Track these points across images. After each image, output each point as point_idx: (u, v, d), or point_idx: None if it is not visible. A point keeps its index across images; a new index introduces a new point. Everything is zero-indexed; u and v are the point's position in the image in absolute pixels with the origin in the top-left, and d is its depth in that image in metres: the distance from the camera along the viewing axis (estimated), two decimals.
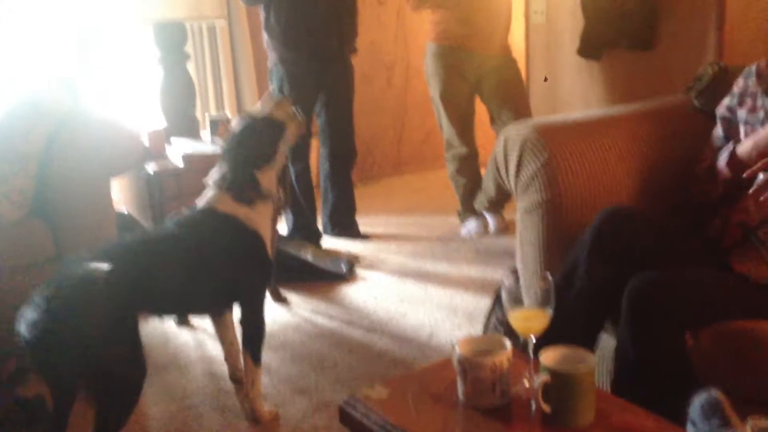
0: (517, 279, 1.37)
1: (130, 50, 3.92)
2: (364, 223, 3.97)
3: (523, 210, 1.97)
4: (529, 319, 1.33)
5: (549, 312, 1.33)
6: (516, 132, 1.96)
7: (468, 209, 3.86)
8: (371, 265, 3.47)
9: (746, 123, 1.79)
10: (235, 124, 2.16)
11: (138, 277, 1.79)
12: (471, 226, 3.86)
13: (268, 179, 2.10)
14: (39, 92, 2.59)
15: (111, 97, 3.82)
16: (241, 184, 2.05)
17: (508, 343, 1.32)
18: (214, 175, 2.10)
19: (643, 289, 1.45)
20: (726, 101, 1.88)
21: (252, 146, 2.08)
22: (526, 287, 1.42)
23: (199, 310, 2.21)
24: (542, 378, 1.23)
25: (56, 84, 2.75)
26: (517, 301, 1.35)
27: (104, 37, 2.93)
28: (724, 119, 1.87)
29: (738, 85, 1.85)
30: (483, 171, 3.88)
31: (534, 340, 1.34)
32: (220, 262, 1.99)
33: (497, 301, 2.40)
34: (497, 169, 2.03)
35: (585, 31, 3.51)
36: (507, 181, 2.02)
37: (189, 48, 3.25)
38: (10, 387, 2.28)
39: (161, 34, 3.03)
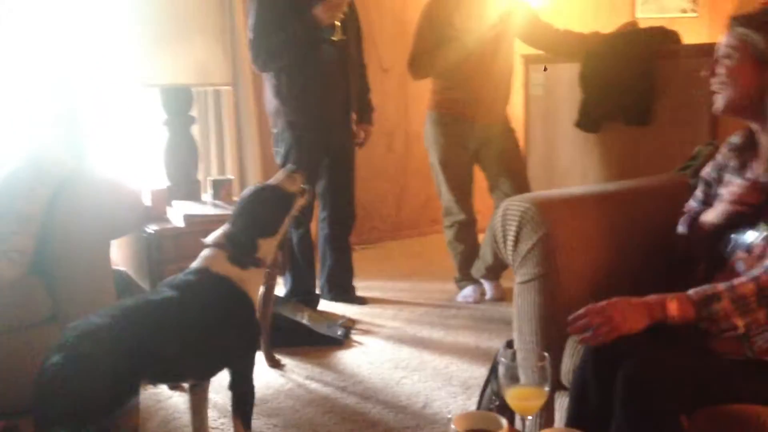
0: (513, 354, 1.37)
1: (137, 110, 4.00)
2: (361, 287, 3.97)
3: (520, 282, 1.99)
4: (526, 397, 1.33)
5: (546, 390, 1.33)
6: (515, 205, 1.99)
7: (465, 276, 3.87)
8: (367, 330, 3.46)
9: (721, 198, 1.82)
10: (249, 189, 2.21)
11: (138, 344, 1.79)
12: (468, 292, 3.86)
13: (267, 247, 2.13)
14: (42, 151, 2.62)
15: (116, 155, 3.87)
16: (241, 247, 2.08)
17: (503, 422, 1.31)
18: (214, 234, 2.13)
19: (635, 373, 1.45)
20: (708, 167, 1.92)
21: (261, 214, 2.12)
22: (523, 361, 1.42)
23: (194, 375, 2.19)
24: None
25: (59, 141, 2.80)
26: (513, 378, 1.34)
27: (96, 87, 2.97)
28: (704, 181, 1.90)
29: (721, 153, 1.88)
30: (481, 237, 3.91)
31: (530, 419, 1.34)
32: (213, 323, 1.99)
33: (493, 371, 2.38)
34: (495, 240, 2.05)
35: (583, 104, 3.58)
36: (505, 253, 2.03)
37: (194, 111, 3.31)
38: None
39: (168, 97, 3.09)
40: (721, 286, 1.53)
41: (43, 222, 2.52)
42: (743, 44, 1.65)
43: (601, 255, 1.95)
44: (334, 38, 3.34)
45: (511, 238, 1.96)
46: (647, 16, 5.81)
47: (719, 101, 1.73)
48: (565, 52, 3.66)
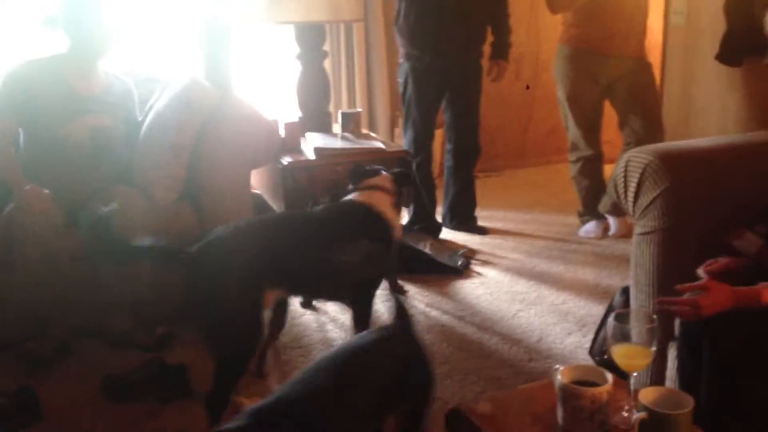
0: (624, 316, 1.43)
1: (271, 45, 4.17)
2: (483, 216, 4.05)
3: (639, 234, 2.00)
4: (633, 356, 1.39)
5: (653, 350, 1.39)
6: (638, 156, 1.98)
7: (588, 211, 3.85)
8: (487, 261, 3.56)
9: None
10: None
11: (266, 250, 2.04)
12: (590, 228, 3.84)
13: None
14: (192, 85, 2.83)
15: (252, 88, 4.09)
16: None
17: (609, 377, 1.39)
18: None
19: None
20: None
21: None
22: (635, 313, 1.48)
23: (321, 293, 2.42)
24: (640, 415, 1.30)
25: (207, 76, 3.00)
26: (623, 335, 1.40)
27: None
28: None
29: None
30: (608, 170, 3.84)
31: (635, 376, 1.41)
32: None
33: (609, 314, 2.42)
34: (616, 191, 2.06)
35: (726, 36, 3.38)
36: (625, 204, 2.05)
37: (326, 45, 3.42)
38: (157, 350, 2.58)
39: (301, 33, 3.21)
40: None
41: (192, 152, 2.77)
42: None
43: (726, 212, 1.92)
44: None
45: (632, 190, 1.97)
46: None
47: None
48: None
